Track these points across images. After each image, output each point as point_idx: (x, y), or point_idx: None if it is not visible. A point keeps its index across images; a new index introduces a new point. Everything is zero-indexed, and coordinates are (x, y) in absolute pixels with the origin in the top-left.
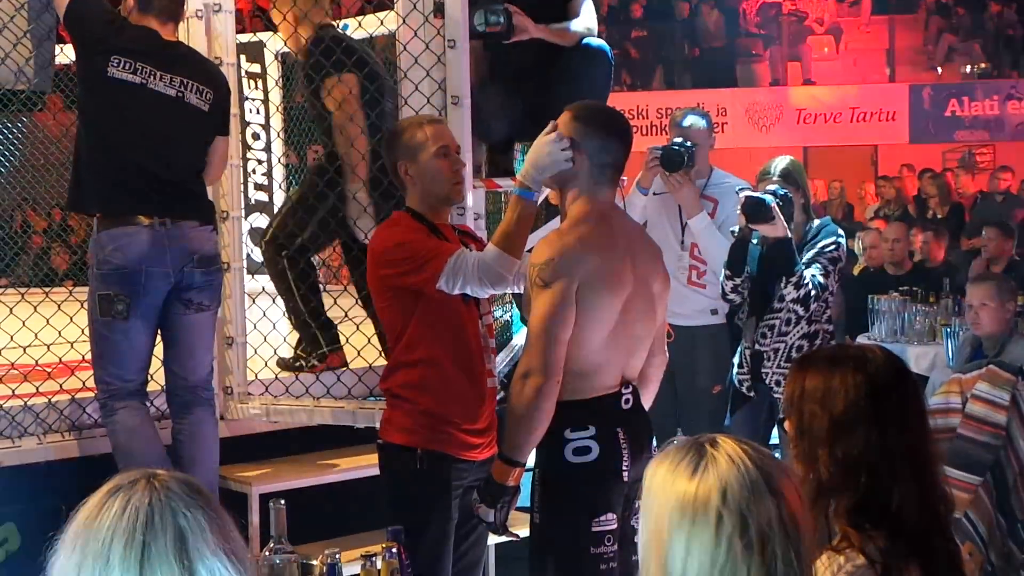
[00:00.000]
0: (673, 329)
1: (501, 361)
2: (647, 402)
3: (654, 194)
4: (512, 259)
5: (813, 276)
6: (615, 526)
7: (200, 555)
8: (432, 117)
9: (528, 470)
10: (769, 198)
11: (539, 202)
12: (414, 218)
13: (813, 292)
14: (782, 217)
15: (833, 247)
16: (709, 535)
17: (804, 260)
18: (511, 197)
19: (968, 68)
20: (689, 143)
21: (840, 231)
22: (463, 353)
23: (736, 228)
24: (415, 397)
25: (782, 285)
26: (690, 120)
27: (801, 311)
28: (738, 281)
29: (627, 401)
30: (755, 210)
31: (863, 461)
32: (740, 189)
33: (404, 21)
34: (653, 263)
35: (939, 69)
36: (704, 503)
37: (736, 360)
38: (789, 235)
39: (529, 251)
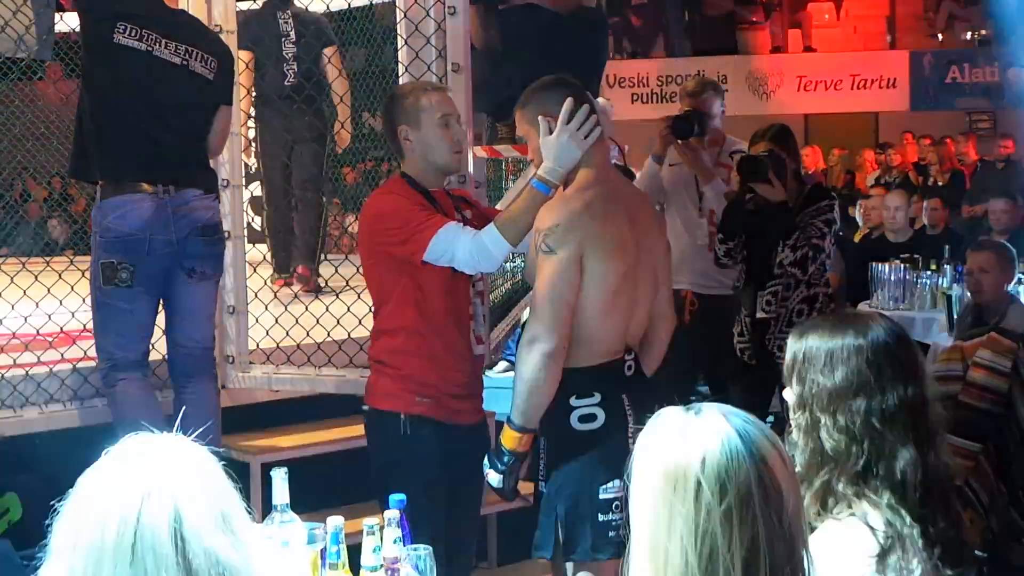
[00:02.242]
0: (696, 298)
1: (501, 331)
2: (654, 364)
3: (670, 165)
4: (509, 245)
5: (809, 238)
6: (621, 493)
7: (196, 535)
8: (435, 84)
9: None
10: (689, 114)
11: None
12: (409, 184)
13: (810, 253)
14: (778, 180)
15: (826, 208)
16: (689, 503)
17: (800, 224)
18: (527, 186)
19: (969, 35)
20: (700, 112)
21: (832, 194)
22: (449, 321)
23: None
24: (398, 363)
25: (779, 249)
26: (698, 89)
27: (799, 274)
28: (731, 244)
29: (630, 367)
30: (752, 168)
31: (865, 428)
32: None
33: None
34: (654, 230)
35: (940, 36)
36: (684, 471)
37: (736, 329)
38: (786, 198)
39: None
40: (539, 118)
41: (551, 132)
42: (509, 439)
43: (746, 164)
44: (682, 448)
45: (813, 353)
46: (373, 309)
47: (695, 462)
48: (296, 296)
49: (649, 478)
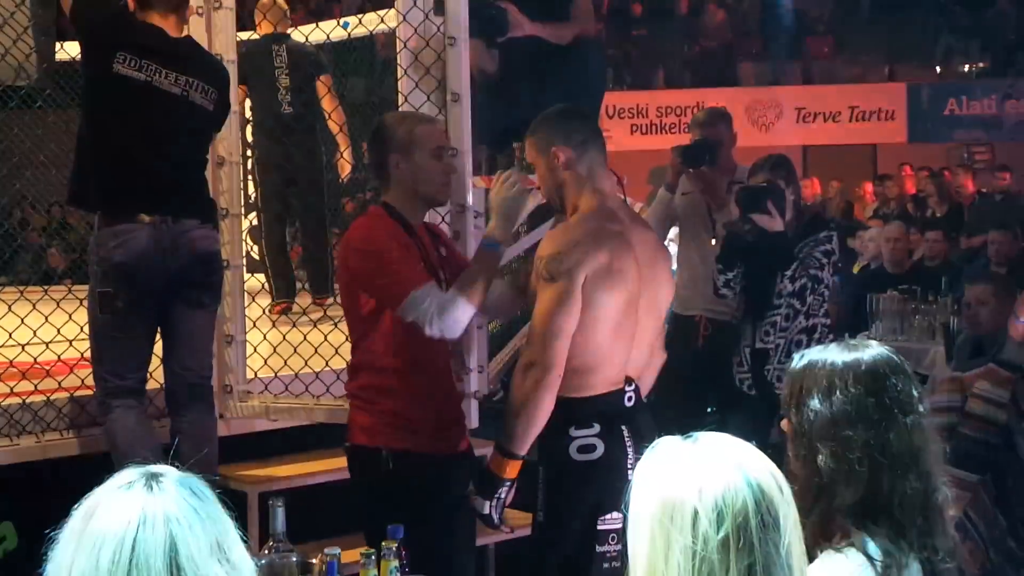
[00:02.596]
0: (710, 323)
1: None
2: (644, 392)
3: (682, 194)
4: (472, 307)
5: (807, 268)
6: (620, 525)
7: (192, 563)
8: (428, 116)
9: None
10: (700, 143)
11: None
12: (390, 214)
13: (809, 284)
14: (777, 211)
15: (826, 240)
16: (687, 532)
17: (799, 255)
18: (479, 247)
19: (967, 67)
20: (710, 141)
21: (831, 225)
22: (429, 356)
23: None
24: (377, 399)
25: (779, 280)
26: (709, 119)
27: (798, 304)
28: (730, 275)
29: (630, 398)
30: (751, 198)
31: (862, 458)
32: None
33: (404, 18)
34: (658, 260)
35: (938, 68)
36: (681, 500)
37: (736, 359)
38: (784, 229)
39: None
40: (551, 151)
41: (560, 163)
42: (497, 465)
43: (745, 195)
44: (679, 477)
45: (812, 383)
46: (351, 343)
47: (692, 491)
48: (294, 325)
49: (647, 507)
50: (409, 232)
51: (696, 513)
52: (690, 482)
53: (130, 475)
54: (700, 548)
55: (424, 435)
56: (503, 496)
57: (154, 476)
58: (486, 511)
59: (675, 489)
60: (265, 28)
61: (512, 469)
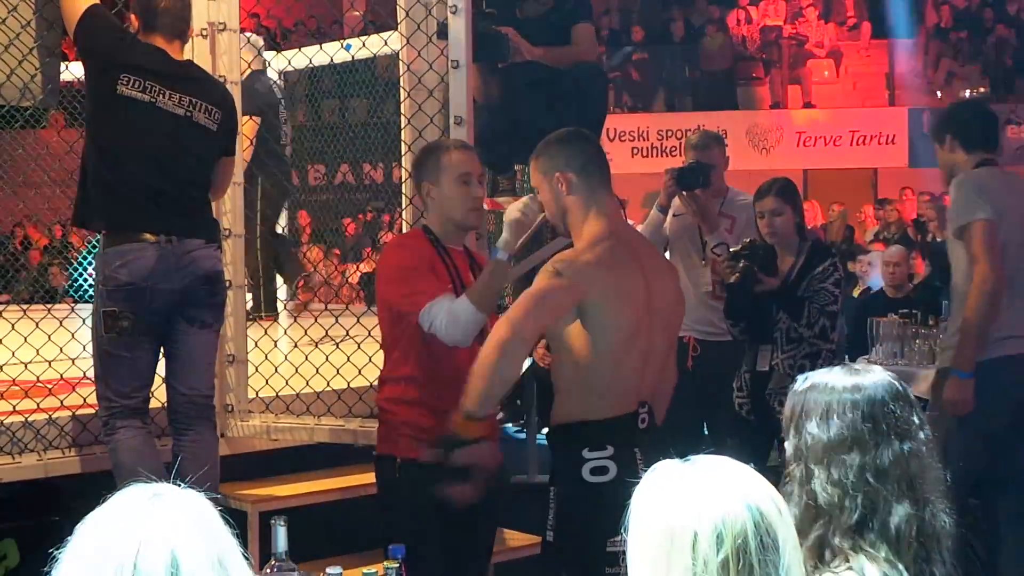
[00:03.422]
0: (699, 344)
1: None
2: (659, 417)
3: (674, 215)
4: (481, 315)
5: (823, 307)
6: None
7: None
8: (461, 143)
9: (537, 486)
10: (694, 166)
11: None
12: (427, 237)
13: (827, 323)
14: (768, 276)
15: (831, 269)
16: (687, 555)
17: (806, 293)
18: (491, 259)
19: (967, 92)
20: (704, 164)
21: (833, 251)
22: (453, 372)
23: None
24: (397, 410)
25: (794, 329)
26: (704, 142)
27: (821, 342)
28: (742, 325)
29: (643, 420)
30: (685, 179)
31: (858, 482)
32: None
33: (408, 42)
34: (667, 282)
35: (939, 93)
36: (680, 524)
37: (735, 384)
38: (779, 285)
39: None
40: (555, 176)
41: (563, 188)
42: (459, 425)
43: (680, 175)
44: (679, 501)
45: (811, 406)
46: (383, 354)
47: (692, 514)
48: (296, 345)
49: (647, 531)
50: (443, 253)
51: (696, 536)
52: (689, 505)
53: (132, 493)
54: (700, 570)
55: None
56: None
57: (156, 494)
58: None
59: (675, 512)
60: None
61: (473, 430)
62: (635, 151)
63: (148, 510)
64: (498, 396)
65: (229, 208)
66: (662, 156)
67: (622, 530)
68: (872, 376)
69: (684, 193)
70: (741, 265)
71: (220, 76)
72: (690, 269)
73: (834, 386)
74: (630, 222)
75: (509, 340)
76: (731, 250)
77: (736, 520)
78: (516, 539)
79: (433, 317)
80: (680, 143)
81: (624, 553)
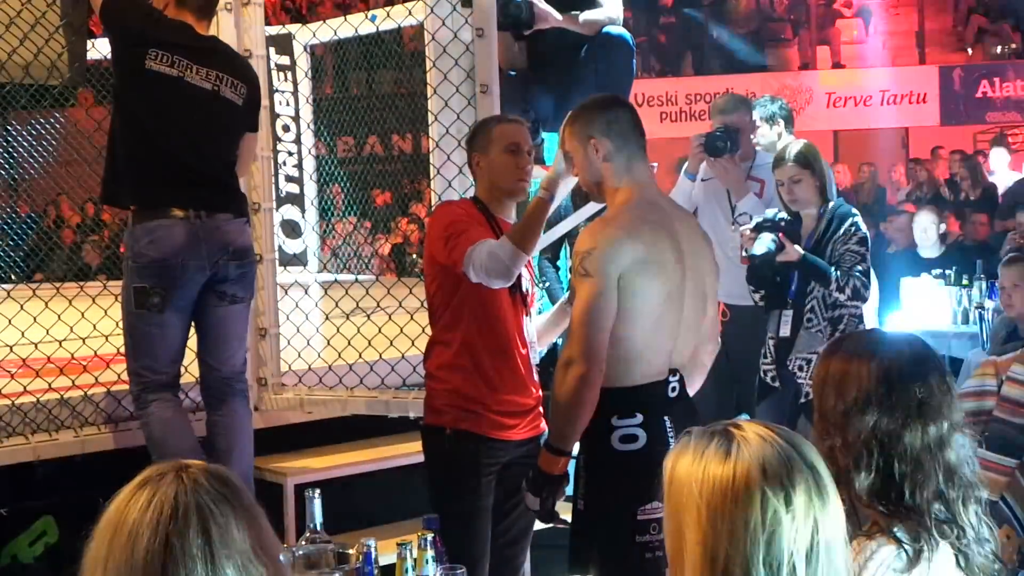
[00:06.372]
0: (728, 308)
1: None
2: (695, 388)
3: (702, 180)
4: (522, 254)
5: (850, 269)
6: (660, 514)
7: (226, 552)
8: (511, 117)
9: (572, 457)
10: (721, 132)
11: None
12: (476, 205)
13: (859, 284)
14: (791, 243)
15: (852, 229)
16: (755, 513)
17: (832, 258)
18: (535, 197)
19: (999, 48)
20: (732, 128)
21: (854, 210)
22: (500, 338)
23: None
24: (446, 377)
25: (827, 294)
26: (731, 105)
27: (858, 304)
28: (763, 292)
29: (674, 389)
30: (712, 146)
31: (875, 448)
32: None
33: (432, 11)
34: (701, 249)
35: (969, 50)
36: (744, 482)
37: (762, 351)
38: (803, 254)
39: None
40: (590, 141)
41: (598, 154)
42: (546, 462)
43: (708, 143)
44: (736, 461)
45: (831, 372)
46: (430, 320)
47: (755, 472)
48: (327, 318)
49: (697, 497)
50: (491, 221)
51: (764, 493)
52: (750, 463)
53: (160, 468)
54: (769, 528)
55: (489, 418)
56: (554, 492)
57: (184, 468)
58: (537, 507)
59: (733, 473)
60: None
61: (561, 466)
62: (663, 116)
63: (176, 484)
64: (582, 428)
65: (258, 182)
66: (691, 120)
67: (655, 498)
68: (892, 341)
69: (712, 159)
70: (763, 236)
71: (245, 50)
72: (719, 234)
73: (853, 353)
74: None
75: (585, 375)
76: (753, 221)
77: (799, 472)
78: (562, 508)
79: (475, 259)
80: (709, 107)
81: (655, 520)
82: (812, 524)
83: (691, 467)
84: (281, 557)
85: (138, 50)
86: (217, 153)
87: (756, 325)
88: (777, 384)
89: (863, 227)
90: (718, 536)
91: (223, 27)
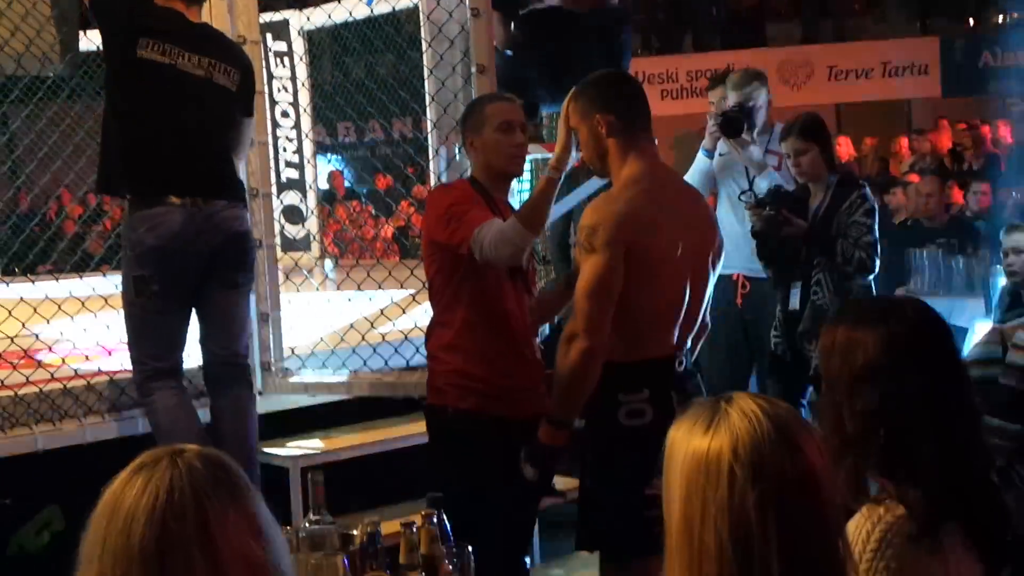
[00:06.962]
0: (748, 281)
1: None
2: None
3: (719, 155)
4: (529, 233)
5: (857, 240)
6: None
7: (222, 536)
8: (503, 95)
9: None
10: (736, 110)
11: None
12: (472, 186)
13: (864, 255)
14: (796, 218)
15: (858, 200)
16: (723, 490)
17: (838, 231)
18: (541, 176)
19: (1000, 18)
20: (747, 105)
21: (860, 181)
22: (501, 317)
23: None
24: (447, 358)
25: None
26: (744, 80)
27: (865, 275)
28: (774, 266)
29: (680, 363)
30: (729, 123)
31: (879, 415)
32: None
33: None
34: (706, 225)
35: (970, 20)
36: (716, 458)
37: (773, 325)
38: (808, 226)
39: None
40: (594, 117)
41: (603, 130)
42: (546, 434)
43: (724, 123)
44: (714, 436)
45: (839, 339)
46: (430, 302)
47: (727, 449)
48: (329, 300)
49: (681, 469)
50: (489, 202)
51: (732, 470)
52: (725, 440)
53: (155, 453)
54: (737, 504)
55: (492, 396)
56: (551, 463)
57: (178, 452)
58: (533, 478)
59: (710, 448)
60: None
61: (560, 437)
62: (665, 93)
63: (171, 468)
64: (583, 402)
65: (256, 167)
66: (692, 97)
67: (661, 472)
68: (901, 307)
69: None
70: (766, 212)
71: (239, 36)
72: (737, 207)
73: (861, 320)
74: None
75: (589, 348)
76: (756, 197)
77: (773, 454)
78: (564, 483)
79: (482, 239)
80: (727, 81)
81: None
82: (786, 508)
83: (680, 439)
84: (280, 538)
85: (128, 38)
86: (212, 139)
87: (771, 298)
88: (787, 357)
89: (871, 198)
90: (692, 510)
91: (216, 14)
